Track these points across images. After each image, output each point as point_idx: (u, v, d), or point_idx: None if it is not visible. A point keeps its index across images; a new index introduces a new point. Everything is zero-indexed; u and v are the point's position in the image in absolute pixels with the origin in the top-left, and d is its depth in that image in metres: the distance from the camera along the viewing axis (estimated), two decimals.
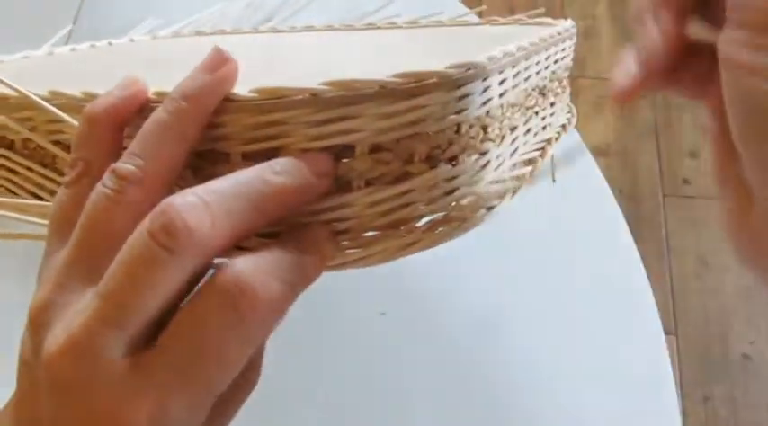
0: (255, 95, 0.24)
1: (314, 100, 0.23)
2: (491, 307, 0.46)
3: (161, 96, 0.25)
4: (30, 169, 0.32)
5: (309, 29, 0.49)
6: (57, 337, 0.21)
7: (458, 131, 0.26)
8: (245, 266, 0.20)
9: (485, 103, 0.27)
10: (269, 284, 0.21)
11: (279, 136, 0.24)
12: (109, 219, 0.22)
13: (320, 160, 0.24)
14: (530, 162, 0.31)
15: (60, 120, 0.27)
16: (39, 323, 0.22)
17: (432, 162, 0.25)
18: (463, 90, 0.25)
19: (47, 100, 0.28)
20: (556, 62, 0.34)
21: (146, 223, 0.21)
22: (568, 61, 0.36)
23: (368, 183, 0.25)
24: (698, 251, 1.25)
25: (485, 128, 0.27)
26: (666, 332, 0.60)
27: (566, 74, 0.36)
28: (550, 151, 0.32)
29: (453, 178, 0.26)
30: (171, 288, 0.21)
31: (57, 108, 0.28)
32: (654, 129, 1.39)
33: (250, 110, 0.24)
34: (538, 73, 0.32)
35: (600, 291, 0.47)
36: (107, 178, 0.22)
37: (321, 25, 0.49)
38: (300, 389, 0.42)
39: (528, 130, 0.32)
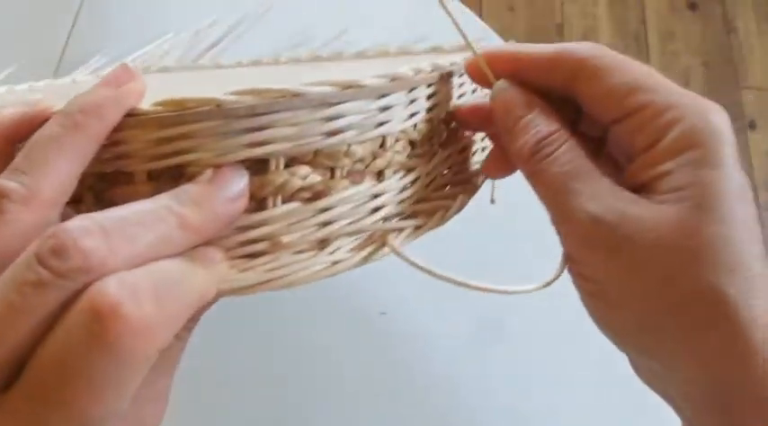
0: (158, 108, 0.21)
1: (220, 111, 0.21)
2: (491, 307, 0.46)
3: None
4: None
5: (257, 63, 0.47)
6: None
7: (382, 145, 0.25)
8: (115, 283, 0.18)
9: (411, 116, 0.25)
10: (140, 304, 0.18)
11: (185, 151, 0.22)
12: None
13: (232, 182, 0.22)
14: (465, 181, 0.30)
15: None
16: None
17: (354, 177, 0.24)
18: (386, 100, 0.24)
19: None
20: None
21: (32, 247, 0.18)
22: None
23: (284, 200, 0.23)
24: None
25: (412, 144, 0.26)
26: None
27: None
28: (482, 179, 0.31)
29: (378, 195, 0.25)
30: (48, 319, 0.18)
31: None
32: None
33: (153, 124, 0.21)
34: (473, 91, 0.31)
35: None
36: None
37: (268, 58, 0.48)
38: (300, 389, 0.42)
39: (463, 149, 0.30)
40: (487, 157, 0.30)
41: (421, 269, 0.24)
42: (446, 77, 0.27)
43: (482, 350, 0.44)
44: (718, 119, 0.23)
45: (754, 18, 1.53)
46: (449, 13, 0.28)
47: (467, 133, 0.30)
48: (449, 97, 0.28)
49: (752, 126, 1.39)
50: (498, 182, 0.32)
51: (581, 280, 0.25)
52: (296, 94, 0.22)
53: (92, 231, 0.19)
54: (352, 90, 0.23)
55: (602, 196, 0.24)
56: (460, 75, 0.28)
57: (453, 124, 0.29)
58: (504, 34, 0.61)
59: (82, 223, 0.19)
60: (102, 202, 0.23)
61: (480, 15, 1.13)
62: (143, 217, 0.20)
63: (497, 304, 0.48)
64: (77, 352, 0.18)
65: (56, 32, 0.56)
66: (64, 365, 0.18)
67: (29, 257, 0.18)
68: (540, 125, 0.25)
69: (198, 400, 0.27)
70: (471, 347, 0.45)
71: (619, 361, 0.26)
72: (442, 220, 0.26)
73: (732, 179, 0.23)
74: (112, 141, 0.22)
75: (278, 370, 0.43)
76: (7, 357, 0.18)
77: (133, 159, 0.22)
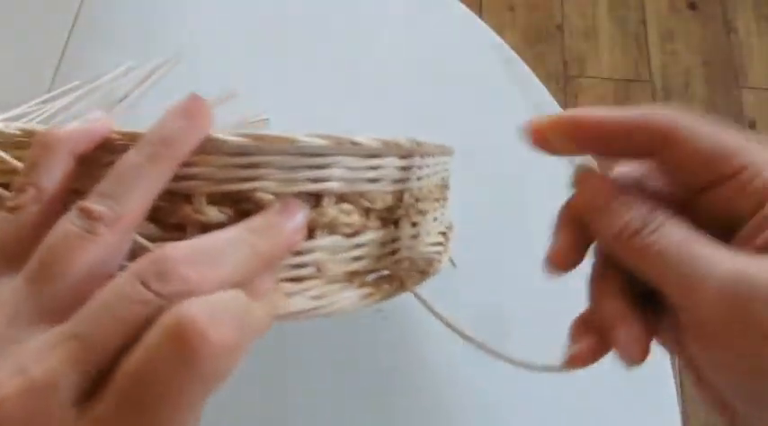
0: (237, 138, 0.24)
1: (292, 147, 0.24)
2: (492, 307, 0.46)
3: (125, 135, 0.24)
4: None
5: None
6: (11, 376, 0.19)
7: (401, 198, 0.29)
8: (198, 308, 0.20)
9: (419, 179, 0.30)
10: (222, 326, 0.20)
11: (253, 178, 0.24)
12: (75, 258, 0.21)
13: (297, 215, 0.24)
14: (439, 244, 0.34)
15: None
16: None
17: (383, 222, 0.28)
18: (409, 161, 0.28)
19: None
20: (446, 170, 0.37)
21: (135, 269, 0.20)
22: (448, 175, 0.38)
23: (330, 233, 0.26)
24: None
25: (417, 201, 0.30)
26: None
27: (448, 186, 0.39)
28: (450, 238, 0.35)
29: (396, 239, 0.29)
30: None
31: None
32: None
33: (229, 151, 0.24)
34: (446, 169, 0.36)
35: None
36: (76, 216, 0.22)
37: None
38: (300, 389, 0.42)
39: (435, 218, 0.34)
40: (554, 249, 0.27)
41: (440, 319, 0.29)
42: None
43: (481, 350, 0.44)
44: None
45: (754, 18, 1.53)
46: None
47: (440, 201, 0.35)
48: (436, 170, 0.33)
49: (752, 126, 1.39)
50: None
51: (705, 355, 0.24)
52: (354, 143, 0.25)
53: (188, 259, 0.21)
54: (391, 147, 0.27)
55: (729, 257, 0.22)
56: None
57: (433, 193, 0.33)
58: (504, 34, 0.61)
59: (179, 251, 0.21)
60: (157, 221, 0.24)
61: (480, 15, 1.13)
62: (225, 247, 0.22)
63: (497, 303, 0.48)
64: (165, 369, 0.19)
65: (56, 32, 0.56)
66: (153, 378, 0.19)
67: (131, 278, 0.20)
68: (638, 200, 0.25)
69: None
70: (470, 347, 0.45)
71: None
72: (436, 271, 0.31)
73: None
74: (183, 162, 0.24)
75: (275, 370, 0.43)
76: (102, 365, 0.20)
77: (199, 182, 0.24)
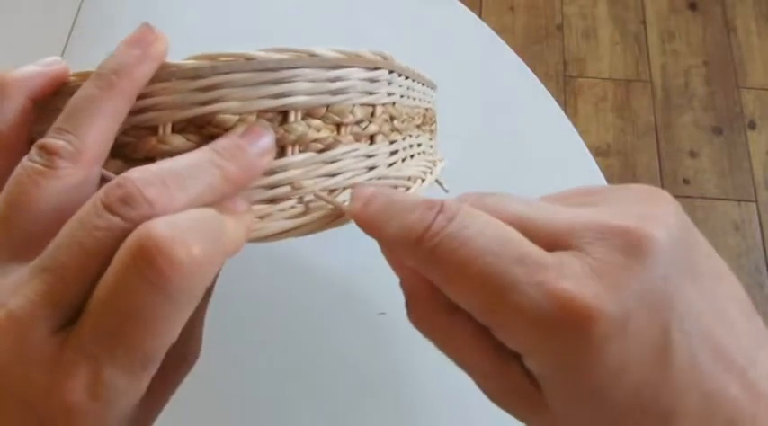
0: (192, 61, 0.24)
1: (251, 64, 0.24)
2: None
3: (82, 77, 0.24)
4: None
5: None
6: None
7: (373, 113, 0.28)
8: (162, 225, 0.19)
9: (390, 95, 0.29)
10: (187, 244, 0.19)
11: (215, 100, 0.24)
12: (39, 196, 0.21)
13: (263, 136, 0.24)
14: (425, 168, 0.33)
15: None
16: None
17: (356, 136, 0.27)
18: (375, 73, 0.28)
19: None
20: (429, 102, 0.36)
21: (99, 195, 0.20)
22: (434, 113, 0.38)
23: (301, 150, 0.26)
24: None
25: (392, 118, 0.29)
26: None
27: (434, 122, 0.38)
28: (439, 167, 0.34)
29: (371, 156, 0.28)
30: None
31: None
32: (654, 129, 1.39)
33: (187, 75, 0.24)
34: (429, 101, 0.35)
35: None
36: (35, 153, 0.22)
37: None
38: (300, 389, 0.42)
39: (420, 144, 0.34)
40: (410, 309, 0.26)
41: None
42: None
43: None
44: None
45: (754, 18, 1.53)
46: None
47: (423, 129, 0.34)
48: (410, 92, 0.33)
49: (752, 126, 1.39)
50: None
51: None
52: (312, 55, 0.25)
53: (153, 182, 0.20)
54: (357, 56, 0.26)
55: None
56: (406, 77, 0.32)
57: (413, 117, 0.32)
58: (504, 34, 0.61)
59: (143, 174, 0.20)
60: (123, 154, 0.24)
61: (480, 15, 1.13)
62: (193, 169, 0.22)
63: None
64: (133, 290, 0.19)
65: (56, 32, 0.56)
66: (122, 301, 0.19)
67: (96, 205, 0.20)
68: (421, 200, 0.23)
69: (197, 399, 0.27)
70: None
71: None
72: (419, 189, 0.30)
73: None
74: (141, 94, 0.23)
75: (277, 370, 0.43)
76: (78, 293, 0.20)
77: (161, 111, 0.24)
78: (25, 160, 0.22)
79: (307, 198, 0.26)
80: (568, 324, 0.20)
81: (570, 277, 0.20)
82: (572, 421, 0.22)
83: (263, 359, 0.43)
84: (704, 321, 0.21)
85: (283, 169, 0.25)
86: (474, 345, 0.23)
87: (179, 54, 0.25)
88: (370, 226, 0.24)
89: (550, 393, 0.22)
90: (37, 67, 0.25)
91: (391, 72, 0.29)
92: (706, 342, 0.21)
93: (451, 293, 0.22)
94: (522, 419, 0.24)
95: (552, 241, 0.22)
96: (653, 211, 0.22)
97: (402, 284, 0.25)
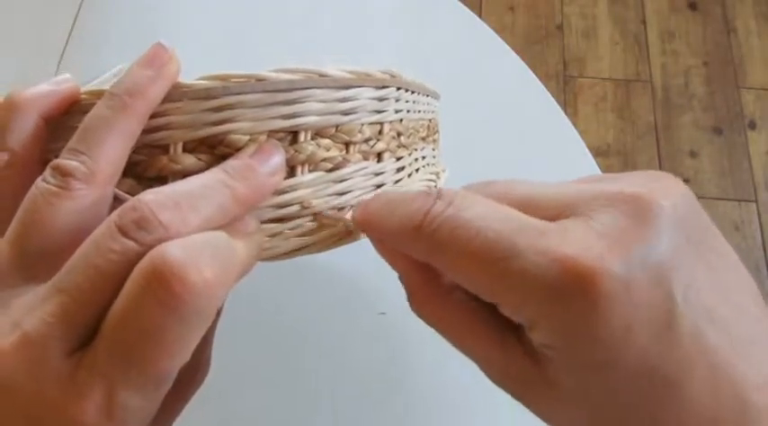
0: (204, 82, 0.24)
1: (260, 84, 0.24)
2: None
3: (94, 95, 0.25)
4: None
5: None
6: (7, 333, 0.20)
7: (381, 131, 0.28)
8: (176, 248, 0.20)
9: (398, 112, 0.29)
10: (200, 267, 0.20)
11: (226, 121, 0.24)
12: (53, 216, 0.21)
13: (273, 156, 0.24)
14: (430, 182, 0.33)
15: None
16: None
17: (364, 155, 0.28)
18: (385, 92, 0.28)
19: None
20: (433, 112, 0.36)
21: (114, 218, 0.20)
22: (436, 122, 0.38)
23: (311, 169, 0.26)
24: None
25: (399, 135, 0.29)
26: None
27: (437, 131, 0.38)
28: (443, 178, 0.35)
29: (379, 174, 0.28)
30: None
31: None
32: (654, 129, 1.39)
33: (199, 95, 0.24)
34: (433, 111, 0.35)
35: None
36: (49, 174, 0.22)
37: None
38: (300, 389, 0.42)
39: (424, 157, 0.34)
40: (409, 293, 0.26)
41: None
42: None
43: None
44: None
45: (754, 18, 1.53)
46: None
47: (427, 140, 0.34)
48: (417, 107, 0.33)
49: (752, 126, 1.39)
50: None
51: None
52: (323, 75, 0.25)
53: (167, 204, 0.21)
54: (366, 76, 0.27)
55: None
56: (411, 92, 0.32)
57: (418, 131, 0.33)
58: (504, 34, 0.61)
59: (157, 197, 0.21)
60: (138, 176, 0.24)
61: (480, 15, 1.13)
62: (204, 191, 0.22)
63: None
64: (147, 313, 0.19)
65: (56, 32, 0.56)
66: (136, 324, 0.19)
67: (110, 227, 0.20)
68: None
69: (205, 400, 0.27)
70: None
71: None
72: None
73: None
74: (153, 113, 0.24)
75: (277, 370, 0.43)
76: (92, 315, 0.20)
77: (173, 130, 0.24)
78: (39, 181, 0.22)
79: (316, 216, 0.26)
80: (573, 288, 0.20)
81: (573, 242, 0.20)
82: (579, 395, 0.22)
83: (263, 359, 0.43)
84: (706, 296, 0.21)
85: (293, 188, 0.25)
86: (474, 328, 0.23)
87: (183, 58, 0.25)
88: (372, 225, 0.24)
89: (558, 365, 0.22)
90: (49, 86, 0.25)
91: (398, 89, 0.29)
92: (709, 316, 0.20)
93: (457, 276, 0.22)
94: (525, 401, 0.24)
95: (558, 212, 0.22)
96: (663, 185, 0.22)
97: (400, 277, 0.25)
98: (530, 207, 0.22)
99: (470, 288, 0.22)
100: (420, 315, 0.25)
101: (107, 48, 0.55)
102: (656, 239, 0.20)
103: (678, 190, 0.22)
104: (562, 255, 0.20)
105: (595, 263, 0.20)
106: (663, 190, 0.21)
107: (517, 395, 0.24)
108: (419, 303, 0.25)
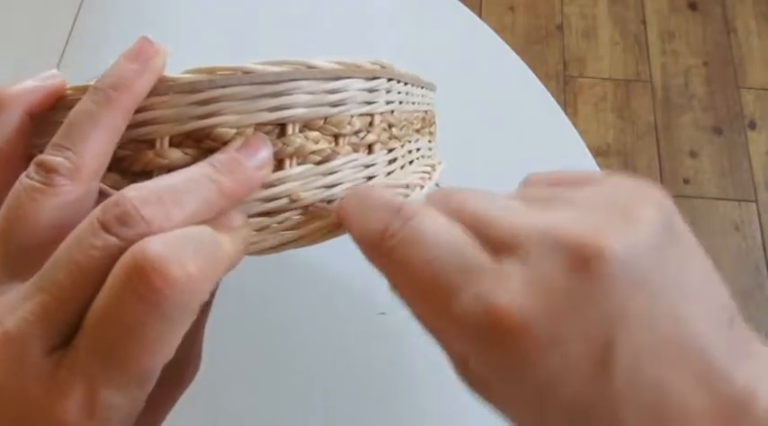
0: (190, 75, 0.23)
1: (249, 77, 0.24)
2: None
3: (79, 91, 0.24)
4: None
5: None
6: None
7: (371, 123, 0.28)
8: (157, 243, 0.19)
9: (389, 103, 0.29)
10: (182, 261, 0.19)
11: (213, 114, 0.24)
12: (37, 212, 0.21)
13: (260, 150, 0.24)
14: (424, 174, 0.33)
15: None
16: None
17: (354, 147, 0.27)
18: (374, 83, 0.27)
19: None
20: (428, 104, 0.36)
21: (96, 213, 0.20)
22: (433, 115, 0.37)
23: (299, 162, 0.25)
24: None
25: (391, 126, 0.29)
26: None
27: (433, 123, 0.38)
28: (438, 170, 0.34)
29: (370, 166, 0.28)
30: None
31: None
32: (654, 129, 1.39)
33: (185, 89, 0.23)
34: (428, 103, 0.35)
35: None
36: (33, 170, 0.22)
37: None
38: (300, 389, 0.42)
39: (419, 149, 0.33)
40: None
41: None
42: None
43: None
44: None
45: (754, 18, 1.53)
46: None
47: (422, 132, 0.34)
48: (410, 98, 0.32)
49: (752, 126, 1.39)
50: None
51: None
52: (310, 67, 0.25)
53: (150, 199, 0.20)
54: (354, 67, 0.26)
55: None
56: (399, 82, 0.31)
57: (411, 123, 0.32)
58: (504, 34, 0.61)
59: (140, 192, 0.20)
60: (121, 168, 0.24)
61: (480, 15, 1.13)
62: (189, 185, 0.22)
63: None
64: (128, 309, 0.19)
65: (56, 32, 0.56)
66: (117, 320, 0.19)
67: (92, 224, 0.20)
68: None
69: (197, 399, 0.27)
70: None
71: None
72: (417, 197, 0.30)
73: None
74: (139, 108, 0.23)
75: (276, 370, 0.43)
76: (74, 312, 0.20)
77: (159, 125, 0.23)
78: (23, 177, 0.22)
79: (304, 209, 0.26)
80: (498, 338, 0.20)
81: (505, 290, 0.20)
82: (520, 415, 0.22)
83: (262, 359, 0.43)
84: (663, 330, 0.20)
85: (281, 182, 0.25)
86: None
87: (177, 55, 0.25)
88: (346, 225, 0.25)
89: (496, 393, 0.22)
90: (34, 82, 0.24)
91: (390, 80, 0.29)
92: (663, 352, 0.20)
93: (403, 299, 0.23)
94: (491, 407, 0.24)
95: (505, 243, 0.21)
96: (628, 214, 0.21)
97: None
98: (481, 230, 0.22)
99: (412, 311, 0.23)
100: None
101: (107, 48, 0.55)
102: (592, 294, 0.20)
103: (648, 216, 0.21)
104: (495, 306, 0.20)
105: (520, 318, 0.20)
106: (624, 223, 0.21)
107: (481, 400, 0.24)
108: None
